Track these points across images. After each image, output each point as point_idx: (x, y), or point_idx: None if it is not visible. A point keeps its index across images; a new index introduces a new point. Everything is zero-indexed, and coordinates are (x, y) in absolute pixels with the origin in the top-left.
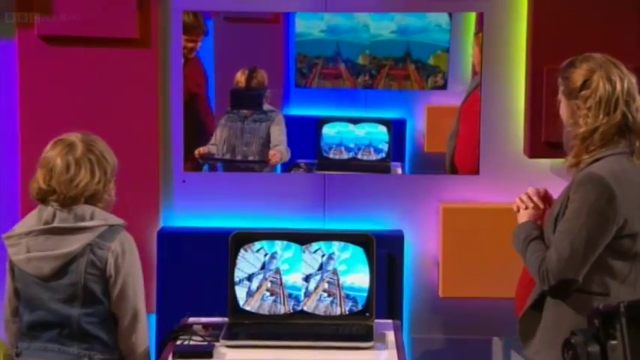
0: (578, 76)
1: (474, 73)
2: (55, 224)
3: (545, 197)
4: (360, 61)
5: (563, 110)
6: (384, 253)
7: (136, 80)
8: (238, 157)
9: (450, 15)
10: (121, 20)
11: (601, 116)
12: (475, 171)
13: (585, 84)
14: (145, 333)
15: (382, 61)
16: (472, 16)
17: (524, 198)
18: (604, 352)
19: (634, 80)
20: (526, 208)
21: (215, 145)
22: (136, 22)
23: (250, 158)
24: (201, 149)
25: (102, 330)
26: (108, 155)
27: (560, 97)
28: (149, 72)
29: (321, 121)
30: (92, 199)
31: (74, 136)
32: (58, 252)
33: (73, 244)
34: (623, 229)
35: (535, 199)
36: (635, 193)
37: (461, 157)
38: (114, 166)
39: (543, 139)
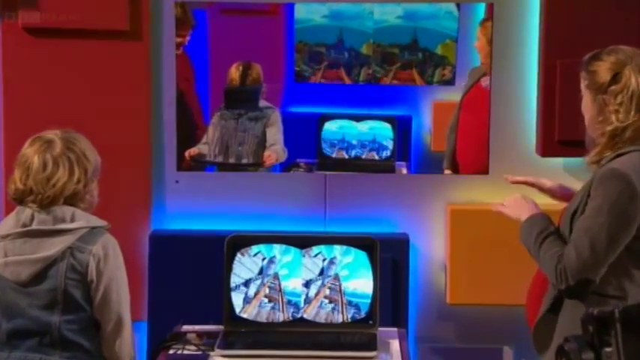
0: (606, 69)
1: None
2: (34, 227)
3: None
4: (364, 50)
5: (588, 106)
6: (388, 257)
7: (126, 74)
8: (231, 160)
9: (458, 6)
10: (110, 11)
11: (632, 112)
12: (483, 169)
13: (615, 78)
14: (130, 341)
15: (387, 48)
16: (481, 7)
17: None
18: (598, 359)
19: None
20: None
21: (207, 144)
22: (126, 13)
23: (244, 160)
24: (192, 150)
25: (84, 337)
26: (89, 154)
27: (584, 91)
28: (140, 66)
29: (323, 118)
30: (72, 200)
31: (53, 134)
32: (36, 256)
33: (52, 247)
34: None
35: (547, 184)
36: None
37: (463, 153)
38: (96, 165)
39: (557, 137)
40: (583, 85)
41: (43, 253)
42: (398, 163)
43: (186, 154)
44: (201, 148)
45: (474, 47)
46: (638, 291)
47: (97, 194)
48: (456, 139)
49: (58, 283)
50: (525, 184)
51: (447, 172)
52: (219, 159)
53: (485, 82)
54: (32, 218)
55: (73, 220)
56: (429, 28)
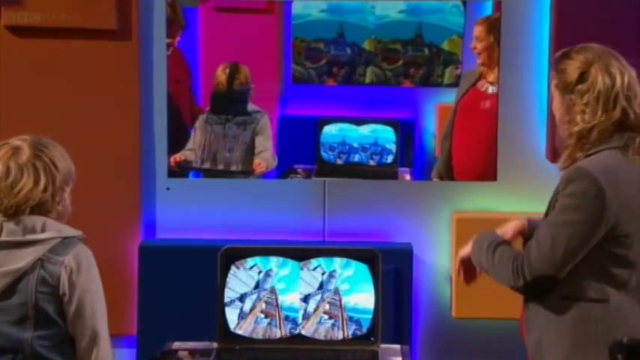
0: (574, 68)
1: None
2: (2, 238)
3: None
4: (366, 46)
5: (557, 106)
6: (391, 269)
7: (114, 76)
8: (220, 166)
9: (464, 4)
10: (97, 9)
11: (599, 113)
12: (482, 176)
13: (582, 77)
14: (108, 357)
15: (389, 44)
16: (489, 4)
17: None
18: None
19: (634, 74)
20: None
21: (192, 150)
22: (113, 11)
23: (233, 168)
24: (177, 156)
25: (59, 354)
26: (60, 162)
27: (554, 91)
28: (129, 66)
29: (321, 122)
30: (40, 210)
31: (22, 139)
32: (5, 269)
33: (22, 259)
34: (616, 230)
35: None
36: (630, 191)
37: (459, 160)
38: (67, 174)
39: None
40: (553, 84)
41: (12, 266)
42: (401, 169)
43: (171, 160)
44: (186, 155)
45: (470, 48)
46: (621, 294)
47: (70, 203)
48: (450, 146)
49: (29, 297)
50: None
51: (436, 180)
52: (207, 165)
53: (482, 85)
54: (1, 229)
55: (43, 230)
56: (433, 23)
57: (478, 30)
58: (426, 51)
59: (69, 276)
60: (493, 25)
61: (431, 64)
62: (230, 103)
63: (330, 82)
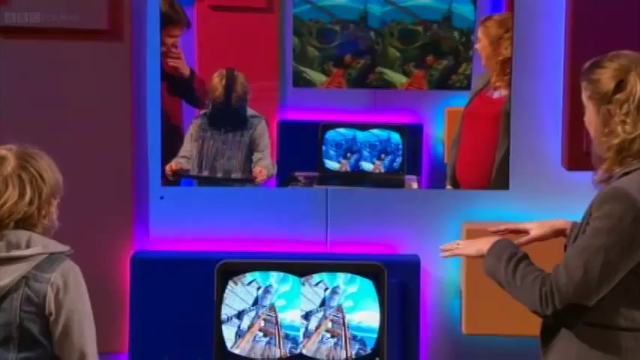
0: (609, 77)
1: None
2: None
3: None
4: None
5: (592, 118)
6: (396, 282)
7: (106, 78)
8: (219, 174)
9: (474, 1)
10: (87, 8)
11: None
12: (499, 185)
13: (619, 86)
14: None
15: (409, 26)
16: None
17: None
18: None
19: None
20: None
21: (186, 158)
22: (105, 10)
23: (234, 176)
24: (173, 164)
25: None
26: (47, 174)
27: (587, 103)
28: (122, 69)
29: (324, 127)
30: (25, 224)
31: (7, 149)
32: None
33: (5, 277)
34: None
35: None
36: None
37: (462, 169)
38: (54, 186)
39: (585, 149)
40: (585, 95)
41: None
42: (408, 176)
43: (167, 168)
44: (181, 162)
45: (475, 48)
46: None
47: (56, 217)
48: (456, 155)
49: (13, 317)
50: (505, 233)
51: (449, 188)
52: (205, 173)
53: (489, 90)
54: None
55: (28, 245)
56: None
57: (480, 31)
58: (456, 35)
59: (55, 294)
60: (497, 24)
61: (457, 54)
62: (228, 117)
63: (335, 78)
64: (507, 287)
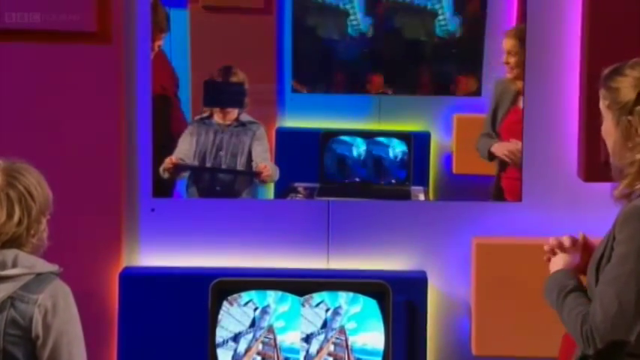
0: (631, 86)
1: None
2: None
3: (585, 246)
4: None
5: (610, 130)
6: (402, 300)
7: (93, 83)
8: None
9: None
10: (75, 10)
11: None
12: (517, 196)
13: None
14: None
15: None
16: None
17: (553, 242)
18: None
19: None
20: (555, 253)
21: (181, 160)
22: (93, 11)
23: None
24: (173, 158)
25: None
26: (36, 191)
27: (605, 112)
28: (110, 72)
29: (325, 135)
30: (13, 244)
31: None
32: None
33: None
34: None
35: (566, 244)
36: None
37: (508, 179)
38: (44, 204)
39: (603, 159)
40: (603, 104)
41: None
42: (414, 187)
43: (167, 161)
44: (180, 158)
45: (503, 63)
46: None
47: (46, 236)
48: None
49: None
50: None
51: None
52: (206, 180)
53: (522, 102)
54: None
55: (15, 264)
56: None
57: (510, 44)
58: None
59: (43, 317)
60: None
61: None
62: (224, 95)
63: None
64: (559, 315)
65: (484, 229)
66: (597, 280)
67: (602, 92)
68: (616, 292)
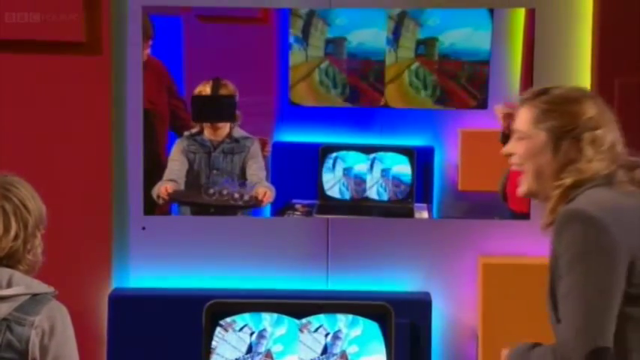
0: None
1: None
2: None
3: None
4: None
5: (541, 150)
6: (405, 323)
7: (82, 94)
8: (214, 197)
9: (491, 12)
10: (63, 20)
11: None
12: (525, 213)
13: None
14: None
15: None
16: (519, 15)
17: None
18: None
19: None
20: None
21: (174, 181)
22: (81, 21)
23: (236, 196)
24: (168, 187)
25: None
26: (30, 203)
27: (534, 132)
28: (99, 84)
29: (324, 150)
30: (9, 261)
31: None
32: None
33: None
34: (634, 269)
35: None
36: (636, 222)
37: (513, 186)
38: (38, 217)
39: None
40: (534, 125)
41: None
42: (417, 205)
43: (162, 190)
44: (173, 186)
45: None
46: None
47: (41, 252)
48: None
49: None
50: None
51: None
52: (205, 199)
53: None
54: None
55: (10, 285)
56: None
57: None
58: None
59: (40, 339)
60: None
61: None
62: (214, 109)
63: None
64: None
65: (491, 248)
66: (555, 306)
67: (539, 113)
68: (577, 302)
